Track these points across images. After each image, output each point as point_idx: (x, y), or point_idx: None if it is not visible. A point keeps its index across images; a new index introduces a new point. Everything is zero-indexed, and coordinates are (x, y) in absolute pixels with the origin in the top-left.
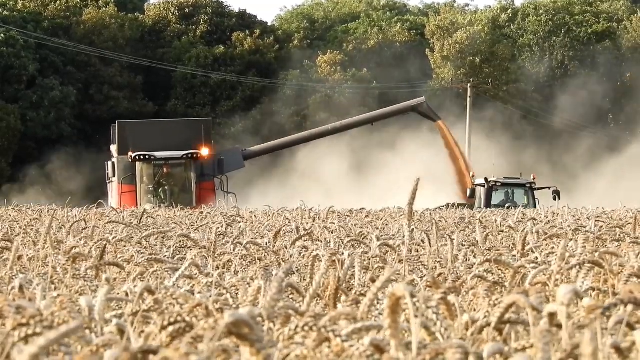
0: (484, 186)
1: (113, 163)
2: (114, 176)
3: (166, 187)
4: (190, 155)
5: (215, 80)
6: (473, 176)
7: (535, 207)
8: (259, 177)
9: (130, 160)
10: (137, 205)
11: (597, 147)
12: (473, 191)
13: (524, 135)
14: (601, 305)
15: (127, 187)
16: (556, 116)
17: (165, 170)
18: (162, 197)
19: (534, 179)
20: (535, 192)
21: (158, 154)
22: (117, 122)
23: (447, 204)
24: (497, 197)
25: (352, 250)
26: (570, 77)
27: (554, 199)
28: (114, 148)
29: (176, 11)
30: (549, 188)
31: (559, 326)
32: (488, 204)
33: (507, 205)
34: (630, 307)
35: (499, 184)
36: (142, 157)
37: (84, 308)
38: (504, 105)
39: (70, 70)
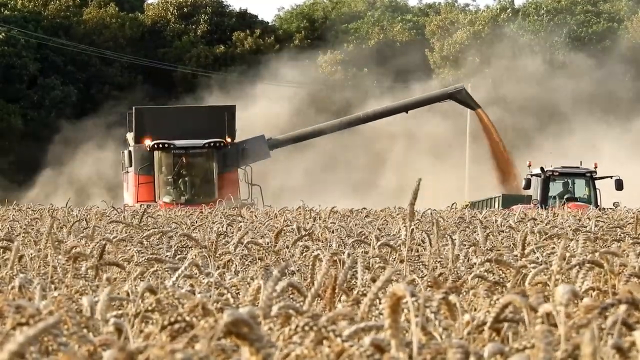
0: (540, 176)
1: (129, 152)
2: (130, 166)
3: (186, 179)
4: (212, 144)
5: (216, 80)
6: (529, 165)
7: (596, 200)
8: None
9: (147, 149)
10: (155, 198)
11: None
12: (528, 182)
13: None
14: (598, 304)
15: (145, 178)
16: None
17: (185, 160)
18: (182, 189)
19: (595, 167)
20: (596, 181)
21: (178, 143)
22: (134, 108)
23: (502, 195)
24: (555, 188)
25: (353, 250)
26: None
27: (617, 189)
28: (130, 136)
29: (175, 10)
30: (611, 177)
31: (555, 325)
32: (545, 196)
33: (565, 197)
34: (623, 307)
35: (557, 173)
36: (160, 145)
37: (86, 307)
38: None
39: (70, 69)
